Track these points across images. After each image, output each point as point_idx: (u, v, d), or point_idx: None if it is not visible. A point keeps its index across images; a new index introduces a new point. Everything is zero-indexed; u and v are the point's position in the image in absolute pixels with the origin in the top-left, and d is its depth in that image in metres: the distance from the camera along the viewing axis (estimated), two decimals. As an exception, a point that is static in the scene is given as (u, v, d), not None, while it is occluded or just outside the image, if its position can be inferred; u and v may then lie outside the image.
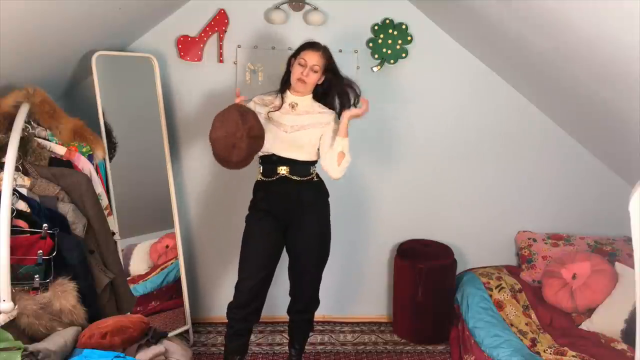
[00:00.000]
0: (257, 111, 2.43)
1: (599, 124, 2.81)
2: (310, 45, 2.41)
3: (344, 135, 2.41)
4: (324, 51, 2.41)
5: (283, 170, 2.43)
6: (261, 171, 2.50)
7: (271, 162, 2.45)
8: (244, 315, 2.47)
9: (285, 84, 2.48)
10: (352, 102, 2.50)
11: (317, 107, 2.49)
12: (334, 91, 2.49)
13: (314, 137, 2.45)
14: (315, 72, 2.39)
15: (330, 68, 2.43)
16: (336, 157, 2.41)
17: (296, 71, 2.39)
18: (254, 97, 2.53)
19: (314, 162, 2.50)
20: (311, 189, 2.47)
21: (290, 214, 2.46)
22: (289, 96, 2.47)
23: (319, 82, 2.45)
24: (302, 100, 2.46)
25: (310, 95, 2.49)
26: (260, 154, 2.46)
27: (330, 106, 2.52)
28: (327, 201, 2.56)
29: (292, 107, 2.46)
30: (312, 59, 2.37)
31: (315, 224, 2.49)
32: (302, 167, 2.45)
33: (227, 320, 2.51)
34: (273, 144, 2.42)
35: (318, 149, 2.48)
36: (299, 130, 2.42)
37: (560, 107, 3.04)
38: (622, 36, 1.73)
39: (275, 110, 2.44)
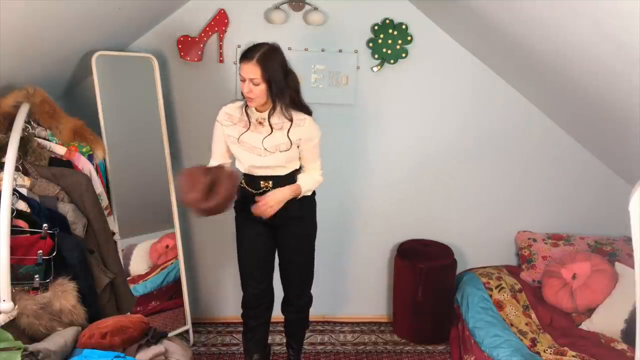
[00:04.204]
0: (228, 134, 2.29)
1: (598, 124, 2.81)
2: (242, 56, 2.11)
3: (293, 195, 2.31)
4: (259, 58, 2.07)
5: (266, 184, 2.32)
6: (244, 180, 2.37)
7: (252, 177, 2.33)
8: (254, 314, 2.53)
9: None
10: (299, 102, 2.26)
11: (287, 116, 2.22)
12: (282, 101, 2.17)
13: (292, 152, 2.27)
14: (257, 85, 2.10)
15: (267, 78, 2.09)
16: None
17: (241, 87, 2.15)
18: (220, 111, 2.32)
19: (297, 170, 2.37)
20: (296, 199, 2.36)
21: (277, 220, 2.36)
22: (254, 112, 2.23)
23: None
24: (268, 115, 2.22)
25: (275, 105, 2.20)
26: (242, 170, 2.36)
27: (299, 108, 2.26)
28: (313, 204, 2.50)
29: (260, 123, 2.24)
30: (247, 71, 2.08)
31: (302, 232, 2.47)
32: (285, 180, 2.32)
33: (238, 320, 2.51)
34: (250, 168, 2.30)
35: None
36: (274, 153, 2.25)
37: (560, 107, 3.04)
38: (622, 36, 1.73)
39: (245, 131, 2.25)
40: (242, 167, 2.35)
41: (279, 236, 2.47)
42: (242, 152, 2.29)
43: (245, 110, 2.25)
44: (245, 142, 2.27)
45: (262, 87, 2.11)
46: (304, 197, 2.41)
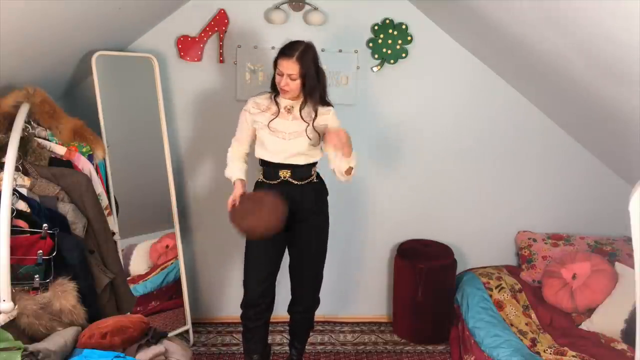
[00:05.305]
0: (256, 120, 2.39)
1: (599, 124, 2.81)
2: (283, 53, 2.27)
3: (349, 156, 2.34)
4: (298, 56, 2.24)
5: (285, 174, 2.40)
6: (262, 173, 2.46)
7: (272, 166, 2.41)
8: (255, 314, 2.52)
9: (275, 87, 2.37)
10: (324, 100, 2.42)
11: (314, 109, 2.38)
12: (312, 96, 2.35)
13: (314, 140, 2.39)
14: (294, 80, 2.27)
15: (303, 74, 2.27)
16: (343, 171, 2.39)
17: (277, 80, 2.31)
18: (248, 101, 2.44)
19: (315, 163, 2.46)
20: (312, 191, 2.45)
21: (293, 216, 2.43)
22: (283, 100, 2.38)
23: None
24: (297, 103, 2.38)
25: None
26: (260, 158, 2.45)
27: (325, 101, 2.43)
28: (327, 200, 2.56)
29: (288, 111, 2.38)
30: (287, 67, 2.24)
31: (317, 225, 2.50)
32: (304, 170, 2.41)
33: (238, 320, 2.54)
34: (273, 152, 2.38)
35: (321, 148, 2.45)
36: (297, 138, 2.37)
37: (560, 107, 3.04)
38: (622, 36, 1.73)
39: (275, 118, 2.37)
40: (266, 154, 2.41)
41: (292, 231, 2.46)
42: (268, 136, 2.38)
43: (275, 99, 2.39)
44: (274, 127, 2.37)
45: (298, 82, 2.28)
46: (320, 191, 2.49)
